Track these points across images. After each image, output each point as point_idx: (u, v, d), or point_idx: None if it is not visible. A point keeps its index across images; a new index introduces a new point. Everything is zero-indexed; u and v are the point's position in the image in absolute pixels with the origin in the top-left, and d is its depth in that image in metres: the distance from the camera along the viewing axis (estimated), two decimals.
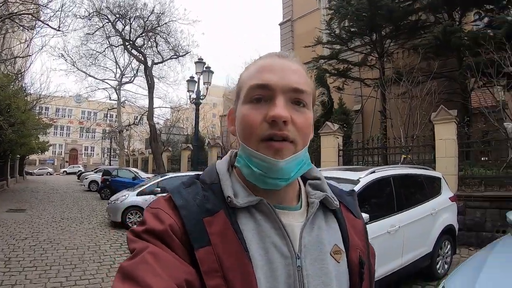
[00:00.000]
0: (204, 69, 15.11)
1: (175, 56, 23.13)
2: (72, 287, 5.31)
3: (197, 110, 15.69)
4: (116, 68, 28.15)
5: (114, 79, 28.63)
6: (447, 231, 6.17)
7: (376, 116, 17.78)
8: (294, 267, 0.79)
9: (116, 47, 23.90)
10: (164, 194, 0.87)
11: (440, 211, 6.00)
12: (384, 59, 17.93)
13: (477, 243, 7.92)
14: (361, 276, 0.89)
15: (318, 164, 11.28)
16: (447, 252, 6.18)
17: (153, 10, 21.69)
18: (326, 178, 0.98)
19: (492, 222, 8.30)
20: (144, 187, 11.14)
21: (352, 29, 17.49)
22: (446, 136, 9.36)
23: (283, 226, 0.81)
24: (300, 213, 0.87)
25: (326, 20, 18.48)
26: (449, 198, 6.59)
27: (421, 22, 16.89)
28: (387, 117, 14.74)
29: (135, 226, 0.79)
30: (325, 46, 18.79)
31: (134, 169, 20.66)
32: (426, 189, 6.14)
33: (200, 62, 15.27)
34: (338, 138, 11.85)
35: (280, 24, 29.11)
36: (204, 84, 15.28)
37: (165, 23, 22.13)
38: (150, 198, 10.41)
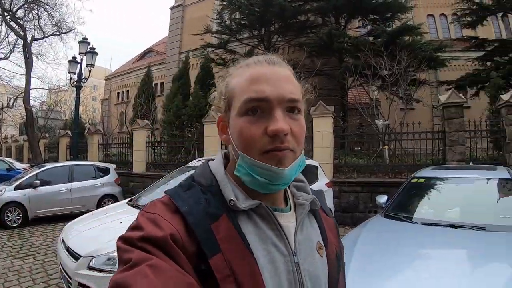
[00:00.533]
0: (89, 49, 14.24)
1: (58, 33, 21.02)
2: None
3: (77, 94, 14.77)
4: None
5: None
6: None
7: None
8: (293, 263, 0.85)
9: None
10: (160, 197, 0.86)
11: None
12: (270, 53, 18.76)
13: (352, 223, 9.06)
14: (339, 268, 0.99)
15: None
16: None
17: None
18: None
19: (364, 204, 9.69)
20: (22, 179, 10.22)
21: (242, 22, 18.05)
22: (323, 128, 10.37)
23: (281, 227, 0.87)
24: (291, 214, 0.93)
25: (218, 10, 18.84)
26: (325, 184, 7.42)
27: (310, 23, 18.15)
28: None
29: (126, 233, 0.76)
30: (214, 35, 19.11)
31: (8, 159, 18.58)
32: (304, 176, 6.76)
33: (84, 42, 14.44)
34: None
35: (171, 8, 28.78)
36: (87, 66, 14.39)
37: None
38: (29, 192, 9.78)
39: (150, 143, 14.31)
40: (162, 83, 29.71)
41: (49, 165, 11.39)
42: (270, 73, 0.84)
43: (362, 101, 14.72)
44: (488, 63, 17.97)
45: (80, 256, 4.11)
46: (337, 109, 15.67)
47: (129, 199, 6.24)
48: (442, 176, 5.30)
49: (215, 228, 0.78)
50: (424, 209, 4.70)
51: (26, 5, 19.86)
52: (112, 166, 12.19)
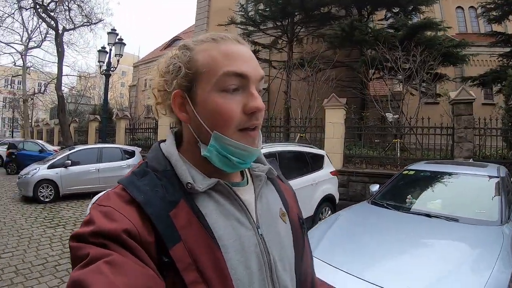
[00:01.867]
0: (117, 40, 15.00)
1: (87, 24, 22.26)
2: (11, 265, 5.48)
3: (106, 81, 15.70)
4: (23, 31, 25.81)
5: (21, 43, 26.37)
6: (327, 199, 7.42)
7: (280, 96, 19.00)
8: (258, 236, 0.85)
9: (27, 9, 22.14)
10: (112, 188, 0.83)
11: (320, 182, 7.23)
12: (293, 44, 19.12)
13: None
14: (303, 231, 1.01)
15: None
16: (328, 216, 6.93)
17: None
18: None
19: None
20: (55, 159, 11.25)
21: (264, 13, 18.40)
22: (334, 120, 10.81)
23: (242, 202, 0.87)
24: (249, 187, 0.93)
25: (240, 2, 19.30)
26: (330, 172, 7.86)
27: (332, 14, 18.26)
28: (291, 98, 16.01)
29: (77, 229, 0.73)
30: (238, 26, 19.56)
31: (41, 142, 19.94)
32: (309, 164, 7.25)
33: (113, 33, 15.15)
34: None
35: None
36: (115, 56, 15.23)
37: None
38: (60, 171, 10.75)
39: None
40: None
41: (80, 147, 12.38)
42: (244, 51, 0.85)
43: (383, 94, 14.91)
44: None
45: None
46: (356, 101, 16.14)
47: None
48: (431, 170, 5.63)
49: (173, 215, 0.76)
50: (408, 198, 4.96)
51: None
52: (137, 149, 13.06)
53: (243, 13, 18.87)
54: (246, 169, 0.97)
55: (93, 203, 0.80)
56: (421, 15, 19.56)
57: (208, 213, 0.81)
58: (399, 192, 5.26)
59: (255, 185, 0.95)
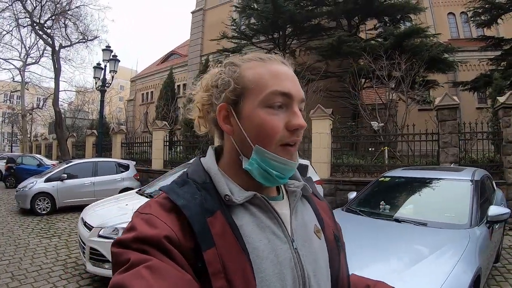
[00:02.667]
0: (111, 57, 15.51)
1: (83, 40, 23.10)
2: (5, 274, 5.80)
3: (102, 97, 16.12)
4: (22, 47, 26.77)
5: (19, 59, 27.19)
6: None
7: None
8: (293, 250, 0.87)
9: (24, 27, 23.14)
10: (155, 197, 0.87)
11: None
12: (285, 57, 19.66)
13: None
14: (339, 248, 1.02)
15: None
16: None
17: None
18: None
19: None
20: (52, 173, 11.71)
21: (254, 27, 19.06)
22: (321, 130, 11.17)
23: (278, 215, 0.89)
24: (285, 201, 0.96)
25: (232, 17, 20.00)
26: (315, 181, 8.25)
27: (322, 26, 18.92)
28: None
29: (120, 236, 0.77)
30: (230, 40, 20.12)
31: (39, 156, 20.50)
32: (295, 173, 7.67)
33: (107, 49, 15.69)
34: None
35: (192, 12, 29.98)
36: (110, 72, 15.73)
37: (76, 7, 22.05)
38: (57, 184, 11.20)
39: (167, 142, 15.72)
40: (184, 85, 30.89)
41: (76, 161, 12.87)
42: (289, 72, 0.90)
43: (369, 103, 15.32)
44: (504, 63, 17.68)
45: (93, 227, 5.37)
46: (348, 110, 16.53)
47: (138, 189, 7.51)
48: (406, 176, 5.79)
49: (210, 222, 0.79)
50: (381, 205, 5.00)
51: (53, 17, 21.81)
52: (132, 163, 13.50)
53: (235, 27, 19.48)
54: (282, 185, 1.00)
55: (135, 212, 0.84)
56: (409, 23, 19.98)
57: (243, 225, 0.83)
58: (374, 199, 5.36)
59: (290, 200, 0.97)
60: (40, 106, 30.75)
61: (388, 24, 18.59)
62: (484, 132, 10.31)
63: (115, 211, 5.70)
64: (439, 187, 5.24)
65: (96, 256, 5.13)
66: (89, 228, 5.47)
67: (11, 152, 34.16)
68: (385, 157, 11.35)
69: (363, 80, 15.87)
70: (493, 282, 5.32)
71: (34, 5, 21.29)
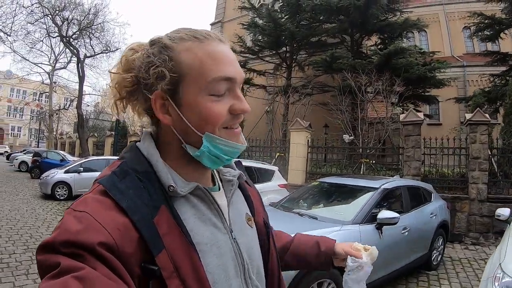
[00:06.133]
0: None
1: (106, 51, 26.29)
2: (18, 233, 8.21)
3: None
4: (51, 53, 30.15)
5: (49, 63, 30.55)
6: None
7: (263, 118, 21.55)
8: (232, 240, 0.91)
9: (54, 37, 26.50)
10: (92, 189, 0.80)
11: (266, 192, 8.58)
12: (292, 70, 21.86)
13: None
14: (268, 233, 1.08)
15: None
16: None
17: (89, 12, 24.82)
18: None
19: None
20: (70, 166, 14.47)
21: (259, 43, 21.27)
22: (297, 141, 12.66)
23: (218, 206, 0.92)
24: (221, 192, 0.99)
25: (238, 34, 22.00)
26: (278, 184, 9.61)
27: (323, 41, 20.71)
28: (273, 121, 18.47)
29: (48, 237, 0.70)
30: (238, 54, 21.91)
31: (62, 152, 23.52)
32: (260, 177, 9.15)
33: None
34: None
35: (211, 24, 32.37)
36: None
37: (99, 24, 25.27)
38: (74, 175, 13.77)
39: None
40: None
41: (91, 158, 15.83)
42: (229, 53, 0.88)
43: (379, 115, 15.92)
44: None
45: None
46: (349, 123, 17.42)
47: None
48: (331, 182, 6.85)
49: (157, 222, 0.77)
50: (299, 203, 6.05)
51: (78, 32, 25.25)
52: None
53: (241, 44, 21.60)
54: (216, 174, 1.02)
55: (67, 208, 0.76)
56: (408, 40, 21.68)
57: (186, 218, 0.83)
58: (299, 198, 6.39)
59: (226, 190, 0.99)
60: (66, 107, 34.22)
61: (387, 41, 19.69)
62: (450, 148, 10.93)
63: None
64: (350, 192, 6.16)
65: None
66: None
67: (38, 147, 37.50)
68: (362, 168, 12.13)
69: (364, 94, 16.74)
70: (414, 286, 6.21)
71: (62, 21, 24.68)
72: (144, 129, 0.97)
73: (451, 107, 22.64)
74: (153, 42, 0.89)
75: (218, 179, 1.02)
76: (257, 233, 1.04)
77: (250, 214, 1.05)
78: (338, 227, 4.72)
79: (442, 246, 7.35)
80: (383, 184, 6.02)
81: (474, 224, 9.80)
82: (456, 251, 8.60)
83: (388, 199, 6.08)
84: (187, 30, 0.89)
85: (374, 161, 12.61)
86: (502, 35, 18.73)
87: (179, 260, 0.77)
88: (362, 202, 5.51)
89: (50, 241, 0.68)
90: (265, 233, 1.08)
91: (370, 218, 5.13)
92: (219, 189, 0.99)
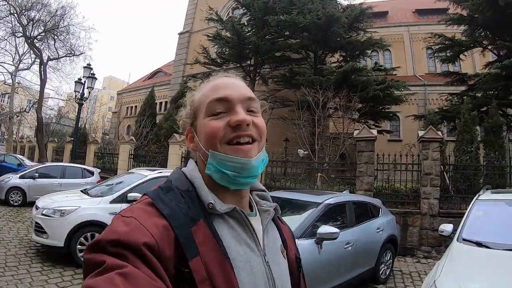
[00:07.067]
0: (90, 74, 18.01)
1: (70, 55, 26.10)
2: None
3: (79, 110, 18.92)
4: (15, 53, 29.54)
5: (12, 63, 29.91)
6: None
7: None
8: (265, 263, 0.97)
9: (18, 37, 26.12)
10: (139, 200, 0.93)
11: None
12: (247, 83, 22.17)
13: None
14: (299, 270, 1.15)
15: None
16: None
17: (55, 13, 24.73)
18: None
19: None
20: (26, 171, 14.33)
21: (223, 56, 21.78)
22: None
23: (254, 230, 0.99)
24: (257, 218, 1.06)
25: (203, 45, 22.60)
26: None
27: (287, 57, 21.41)
28: None
29: (98, 236, 0.80)
30: (203, 65, 22.67)
31: (20, 156, 22.94)
32: None
33: (87, 67, 18.28)
34: (182, 147, 15.32)
35: (179, 34, 32.83)
36: (87, 88, 18.25)
37: (64, 26, 25.12)
38: (29, 181, 13.69)
39: (132, 155, 18.18)
40: (166, 102, 33.26)
41: (47, 164, 15.66)
42: (229, 81, 1.03)
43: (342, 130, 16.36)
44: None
45: (39, 207, 8.00)
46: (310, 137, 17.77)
47: (83, 189, 9.90)
48: (277, 196, 6.76)
49: (194, 232, 0.86)
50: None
51: (42, 33, 25.13)
52: (96, 170, 15.95)
53: (205, 55, 22.16)
54: (254, 204, 1.11)
55: (116, 214, 0.89)
56: (369, 58, 22.46)
57: (223, 235, 0.91)
58: None
59: (262, 218, 1.07)
60: (26, 110, 33.72)
61: (348, 58, 20.47)
62: (403, 164, 11.29)
63: (58, 200, 8.35)
64: (293, 206, 6.25)
65: (38, 229, 7.71)
66: (37, 208, 8.10)
67: None
68: (318, 182, 12.16)
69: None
70: None
71: (28, 21, 24.47)
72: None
73: (411, 124, 23.34)
74: (189, 88, 1.12)
75: (256, 208, 1.10)
76: (288, 267, 1.09)
77: (283, 247, 1.11)
78: None
79: (391, 260, 7.53)
80: (326, 200, 6.16)
81: (426, 238, 10.14)
82: (407, 265, 8.85)
83: (331, 214, 6.18)
84: (212, 77, 1.09)
85: (333, 175, 12.95)
86: (462, 56, 19.34)
87: (213, 269, 0.84)
88: (303, 217, 5.62)
89: (100, 240, 0.78)
90: (296, 269, 1.14)
91: (310, 233, 5.25)
92: (255, 216, 1.07)
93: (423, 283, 4.08)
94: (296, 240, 3.95)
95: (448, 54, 19.52)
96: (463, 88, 19.26)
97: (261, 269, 0.95)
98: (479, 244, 4.66)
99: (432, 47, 21.47)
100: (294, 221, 5.39)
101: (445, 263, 4.07)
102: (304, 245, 4.98)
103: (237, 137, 0.95)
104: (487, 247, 4.55)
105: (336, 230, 5.13)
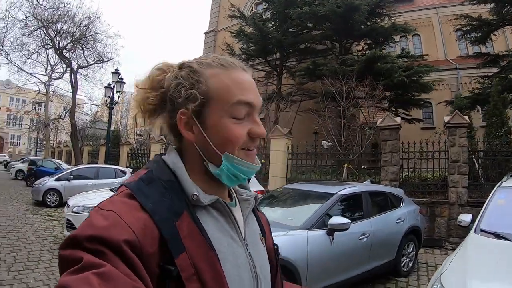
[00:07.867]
0: (118, 79, 18.82)
1: (99, 62, 27.48)
2: (6, 236, 8.98)
3: (110, 113, 19.70)
4: (47, 64, 31.18)
5: (45, 74, 31.63)
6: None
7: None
8: (247, 253, 0.98)
9: (48, 49, 27.76)
10: (119, 191, 0.88)
11: None
12: (274, 79, 22.73)
13: None
14: (277, 258, 1.18)
15: None
16: None
17: (81, 24, 26.12)
18: None
19: None
20: (61, 174, 15.27)
21: (247, 52, 22.15)
22: (277, 148, 13.04)
23: (236, 220, 0.99)
24: (238, 208, 1.06)
25: (227, 42, 22.99)
26: (254, 191, 10.73)
27: (312, 48, 21.47)
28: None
29: (74, 230, 0.76)
30: None
31: (57, 161, 24.50)
32: None
33: (115, 73, 19.09)
34: None
35: (205, 33, 33.50)
36: (116, 93, 19.09)
37: (91, 35, 26.50)
38: (65, 183, 14.57)
39: (160, 155, 18.72)
40: None
41: (81, 166, 16.57)
42: (251, 81, 0.98)
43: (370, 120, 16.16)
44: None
45: (70, 206, 8.60)
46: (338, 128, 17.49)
47: (112, 187, 10.56)
48: (294, 188, 7.05)
49: (179, 226, 0.83)
50: (261, 206, 5.91)
51: (70, 44, 26.58)
52: (129, 170, 16.67)
53: (230, 52, 22.41)
54: (234, 193, 1.10)
55: (95, 207, 0.83)
56: (396, 44, 21.98)
57: (207, 227, 0.89)
58: (260, 204, 6.10)
59: (242, 208, 1.06)
60: (62, 117, 35.27)
61: (373, 46, 20.10)
62: (429, 152, 10.98)
63: (87, 198, 8.97)
64: (308, 197, 6.26)
65: (69, 225, 8.33)
66: (69, 206, 8.72)
67: (36, 156, 39.05)
68: (344, 174, 12.16)
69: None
70: None
71: (55, 33, 25.94)
72: (170, 144, 1.06)
73: (444, 110, 22.50)
74: (182, 65, 0.98)
75: (236, 197, 1.09)
76: (267, 255, 1.10)
77: (262, 235, 1.12)
78: (284, 232, 4.76)
79: (414, 252, 7.20)
80: (340, 190, 6.02)
81: (455, 229, 9.61)
82: (435, 257, 8.57)
83: (346, 205, 6.07)
84: (214, 57, 0.98)
85: (365, 166, 12.87)
86: (492, 37, 18.69)
87: (200, 263, 0.82)
88: (315, 207, 5.53)
89: (76, 235, 0.73)
90: (274, 256, 1.15)
91: (321, 224, 5.15)
92: (236, 205, 1.06)
93: (433, 277, 3.89)
94: (307, 231, 4.89)
95: (477, 35, 18.83)
96: (495, 70, 18.51)
97: (244, 260, 0.96)
98: (497, 236, 4.27)
99: (462, 28, 20.51)
100: (306, 212, 5.46)
101: (455, 257, 3.87)
102: (315, 236, 4.97)
103: (249, 146, 0.96)
104: (507, 239, 4.14)
105: (347, 220, 5.04)
